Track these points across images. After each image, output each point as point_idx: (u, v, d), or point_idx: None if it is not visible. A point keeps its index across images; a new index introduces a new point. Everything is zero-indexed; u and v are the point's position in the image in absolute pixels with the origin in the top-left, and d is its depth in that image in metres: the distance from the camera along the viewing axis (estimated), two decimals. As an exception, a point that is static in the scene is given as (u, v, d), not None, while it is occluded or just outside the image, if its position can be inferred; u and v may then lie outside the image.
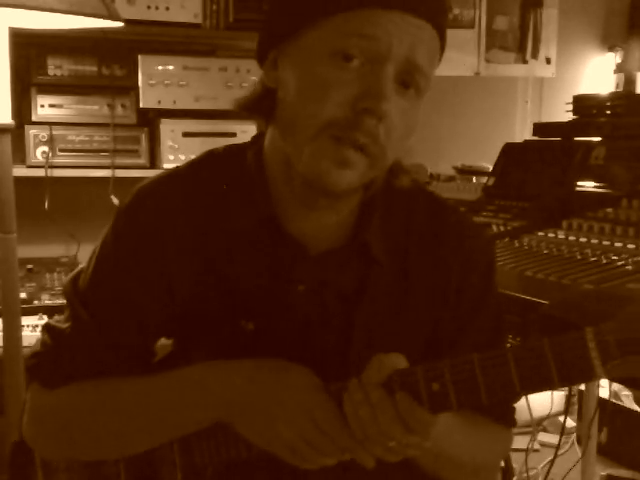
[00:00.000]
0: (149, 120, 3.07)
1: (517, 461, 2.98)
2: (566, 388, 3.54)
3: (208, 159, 1.23)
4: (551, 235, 1.82)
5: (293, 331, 1.16)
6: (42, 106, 2.90)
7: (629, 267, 1.53)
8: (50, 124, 2.89)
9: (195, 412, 1.12)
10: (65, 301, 1.26)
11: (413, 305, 1.20)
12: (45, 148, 2.87)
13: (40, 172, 2.85)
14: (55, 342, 1.23)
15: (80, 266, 1.26)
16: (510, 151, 2.36)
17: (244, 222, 1.15)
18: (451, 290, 1.21)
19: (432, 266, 1.21)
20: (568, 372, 0.95)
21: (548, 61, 3.90)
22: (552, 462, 2.62)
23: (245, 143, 1.23)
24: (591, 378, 0.95)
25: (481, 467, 1.27)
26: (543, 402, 3.38)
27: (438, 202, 1.26)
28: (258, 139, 1.21)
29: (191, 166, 1.23)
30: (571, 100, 2.40)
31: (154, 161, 3.05)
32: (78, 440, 1.20)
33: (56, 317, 1.26)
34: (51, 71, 2.88)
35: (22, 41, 2.44)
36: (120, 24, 2.06)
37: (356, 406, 1.01)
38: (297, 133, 1.06)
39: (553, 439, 3.40)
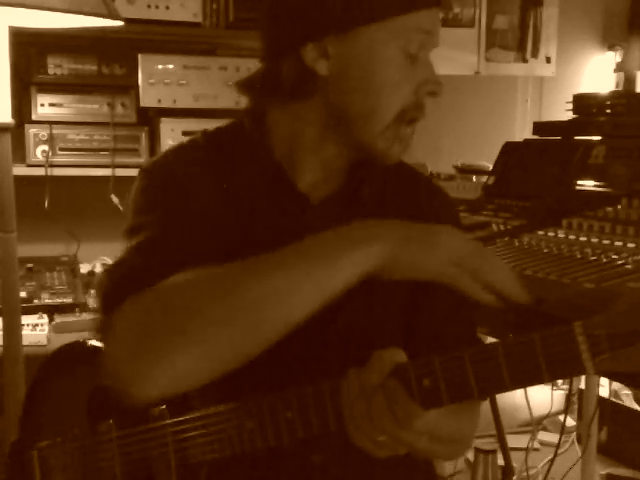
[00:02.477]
0: (149, 119, 3.07)
1: (517, 460, 2.99)
2: (566, 387, 3.55)
3: (216, 131, 1.36)
4: (551, 234, 1.82)
5: None
6: (42, 105, 2.90)
7: (629, 266, 1.53)
8: (50, 123, 2.89)
9: (346, 263, 1.05)
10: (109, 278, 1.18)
11: None
12: (45, 147, 2.87)
13: (40, 171, 2.85)
14: (126, 269, 1.15)
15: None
16: (510, 150, 2.36)
17: (255, 179, 1.26)
18: None
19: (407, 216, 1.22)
20: (557, 367, 0.95)
21: (548, 60, 3.90)
22: (552, 461, 2.63)
23: (233, 123, 1.37)
24: (580, 372, 0.95)
25: (463, 441, 1.29)
26: (543, 401, 3.38)
27: (409, 166, 1.40)
28: (245, 118, 1.33)
29: (203, 135, 1.35)
30: (571, 99, 2.40)
31: (154, 160, 3.04)
32: (197, 335, 1.03)
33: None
34: (51, 70, 2.88)
35: (22, 40, 2.44)
36: (120, 23, 2.06)
37: (352, 397, 1.02)
38: (371, 120, 1.21)
39: (553, 438, 3.41)
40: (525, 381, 0.98)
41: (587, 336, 0.93)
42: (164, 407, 1.19)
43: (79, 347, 1.35)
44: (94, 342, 1.34)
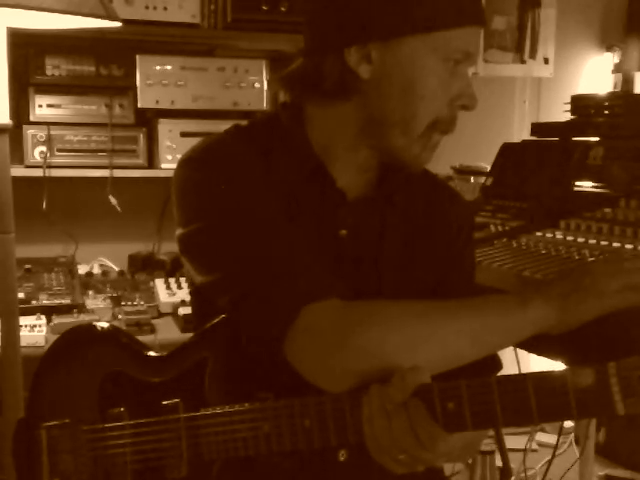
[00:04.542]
0: (147, 120, 3.07)
1: (515, 461, 2.98)
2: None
3: (252, 124, 1.37)
4: (549, 235, 1.81)
5: (337, 273, 1.23)
6: (40, 106, 2.90)
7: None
8: (48, 124, 2.89)
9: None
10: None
11: (421, 246, 1.38)
12: (43, 148, 2.87)
13: (38, 172, 2.85)
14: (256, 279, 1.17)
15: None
16: (508, 151, 2.36)
17: (297, 173, 1.29)
18: (450, 236, 1.42)
19: (431, 216, 1.41)
20: (587, 405, 0.94)
21: (546, 61, 3.90)
22: (550, 462, 2.63)
23: (268, 117, 1.39)
24: (610, 413, 0.93)
25: (477, 445, 1.35)
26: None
27: (431, 173, 1.49)
28: (275, 114, 1.37)
29: (238, 128, 1.35)
30: (569, 100, 2.40)
31: (152, 161, 3.05)
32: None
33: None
34: (49, 71, 2.88)
35: (20, 41, 2.43)
36: (118, 24, 2.06)
37: (374, 414, 1.02)
38: (408, 127, 1.25)
39: (551, 439, 3.41)
40: (553, 416, 0.98)
41: (620, 378, 0.92)
42: (178, 400, 1.20)
43: (91, 329, 1.35)
44: (105, 325, 1.34)
